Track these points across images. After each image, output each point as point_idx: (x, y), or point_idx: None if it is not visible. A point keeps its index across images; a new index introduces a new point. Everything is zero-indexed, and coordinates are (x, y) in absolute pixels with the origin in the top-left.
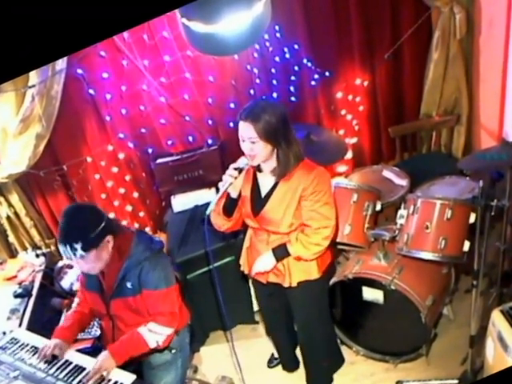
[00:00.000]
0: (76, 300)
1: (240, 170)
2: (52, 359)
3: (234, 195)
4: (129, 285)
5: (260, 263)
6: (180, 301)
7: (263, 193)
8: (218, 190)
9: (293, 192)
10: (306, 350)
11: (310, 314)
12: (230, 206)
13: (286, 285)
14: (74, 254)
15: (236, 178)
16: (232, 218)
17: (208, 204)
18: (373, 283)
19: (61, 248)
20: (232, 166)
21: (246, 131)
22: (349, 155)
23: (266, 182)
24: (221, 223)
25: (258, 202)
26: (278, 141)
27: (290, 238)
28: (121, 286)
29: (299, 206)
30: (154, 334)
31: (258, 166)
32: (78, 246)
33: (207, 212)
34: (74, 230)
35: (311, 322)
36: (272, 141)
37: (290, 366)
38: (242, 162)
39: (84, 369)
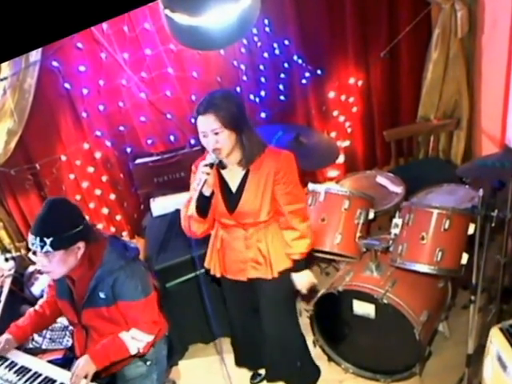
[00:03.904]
0: (41, 299)
1: (212, 166)
2: (22, 370)
3: (207, 193)
4: (101, 295)
5: (303, 282)
6: (158, 309)
7: (233, 188)
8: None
9: (266, 178)
10: (274, 352)
11: (281, 307)
12: (204, 205)
13: (268, 277)
14: (41, 248)
15: (209, 173)
16: (207, 219)
17: None
18: (364, 296)
19: (30, 238)
20: (203, 163)
21: (208, 124)
22: (340, 159)
23: (233, 176)
24: (195, 227)
25: (231, 198)
26: (240, 128)
27: (266, 229)
28: (93, 296)
29: (274, 192)
30: (136, 340)
31: (221, 163)
32: (48, 241)
33: (189, 213)
34: (50, 223)
35: (281, 318)
36: (235, 128)
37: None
38: (211, 158)
39: (54, 381)
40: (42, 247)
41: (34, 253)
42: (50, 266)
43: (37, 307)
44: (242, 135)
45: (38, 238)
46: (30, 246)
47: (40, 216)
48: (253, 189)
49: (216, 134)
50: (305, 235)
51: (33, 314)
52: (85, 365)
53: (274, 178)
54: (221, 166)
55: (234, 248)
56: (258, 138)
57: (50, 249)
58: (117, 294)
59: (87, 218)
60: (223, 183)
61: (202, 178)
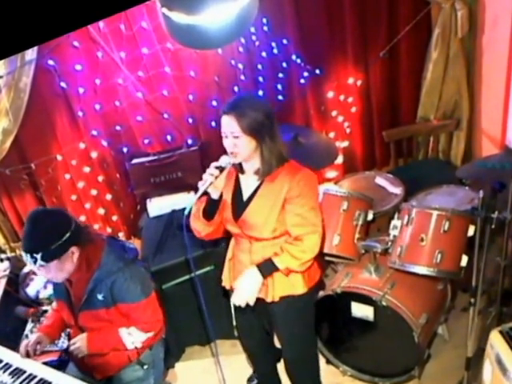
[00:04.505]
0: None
1: (222, 169)
2: (16, 372)
3: (215, 196)
4: (100, 297)
5: (244, 286)
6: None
7: (245, 196)
8: (197, 190)
9: (277, 193)
10: (292, 371)
11: (293, 331)
12: (210, 208)
13: (268, 299)
14: (34, 263)
15: (217, 177)
16: (212, 222)
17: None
18: (362, 298)
19: (23, 254)
20: (213, 164)
21: (229, 125)
22: (339, 160)
23: (248, 184)
24: (200, 228)
25: (240, 205)
26: (262, 136)
27: (274, 248)
28: (91, 298)
29: (283, 210)
30: (132, 337)
31: (241, 167)
32: (38, 256)
33: (186, 212)
34: (35, 239)
35: (295, 340)
36: (256, 136)
37: None
38: (224, 161)
39: (50, 383)
40: (35, 262)
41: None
42: (49, 275)
43: (55, 307)
44: (263, 145)
45: (28, 255)
46: (24, 260)
47: (25, 233)
48: (261, 200)
49: (235, 137)
50: (312, 261)
51: (54, 312)
52: (80, 346)
53: (285, 196)
54: (240, 170)
55: (240, 261)
56: (280, 150)
57: (42, 263)
58: (116, 296)
59: (82, 219)
60: (237, 188)
61: (208, 180)
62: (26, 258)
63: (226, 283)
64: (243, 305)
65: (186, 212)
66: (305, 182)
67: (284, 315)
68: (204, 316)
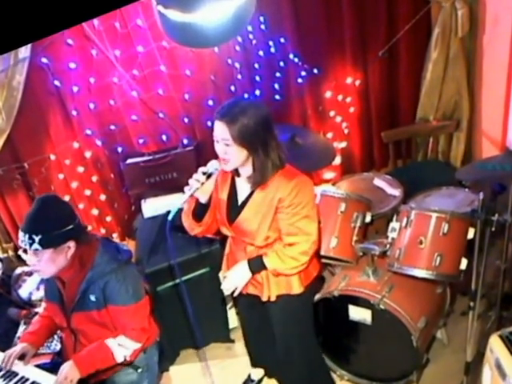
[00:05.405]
0: (43, 304)
1: (209, 175)
2: (8, 375)
3: (202, 200)
4: (92, 298)
5: (233, 276)
6: (149, 315)
7: (240, 200)
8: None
9: (269, 202)
10: (285, 370)
11: (290, 330)
12: (199, 211)
13: (264, 298)
14: (30, 246)
15: (203, 183)
16: (202, 223)
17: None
18: (360, 302)
19: (20, 235)
20: (201, 169)
21: (221, 132)
22: (337, 161)
23: (243, 188)
24: (190, 227)
25: (234, 209)
26: (254, 147)
27: (266, 250)
28: (83, 299)
29: (276, 218)
30: (124, 348)
31: (236, 170)
32: (37, 239)
33: (169, 218)
34: (40, 220)
35: (291, 340)
36: (248, 146)
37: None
38: (211, 166)
39: None
40: (31, 245)
41: (25, 251)
42: (39, 265)
43: (42, 313)
44: (255, 156)
45: (26, 236)
46: (19, 243)
47: (30, 213)
48: (254, 208)
49: (226, 145)
50: (303, 266)
51: (41, 319)
52: (69, 371)
53: (277, 205)
54: (236, 173)
55: (236, 259)
56: (274, 158)
57: (38, 247)
58: (107, 297)
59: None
60: (233, 190)
61: (193, 186)
62: (24, 239)
63: (223, 275)
64: (228, 292)
65: (170, 218)
66: (298, 190)
67: (281, 315)
68: (195, 321)
